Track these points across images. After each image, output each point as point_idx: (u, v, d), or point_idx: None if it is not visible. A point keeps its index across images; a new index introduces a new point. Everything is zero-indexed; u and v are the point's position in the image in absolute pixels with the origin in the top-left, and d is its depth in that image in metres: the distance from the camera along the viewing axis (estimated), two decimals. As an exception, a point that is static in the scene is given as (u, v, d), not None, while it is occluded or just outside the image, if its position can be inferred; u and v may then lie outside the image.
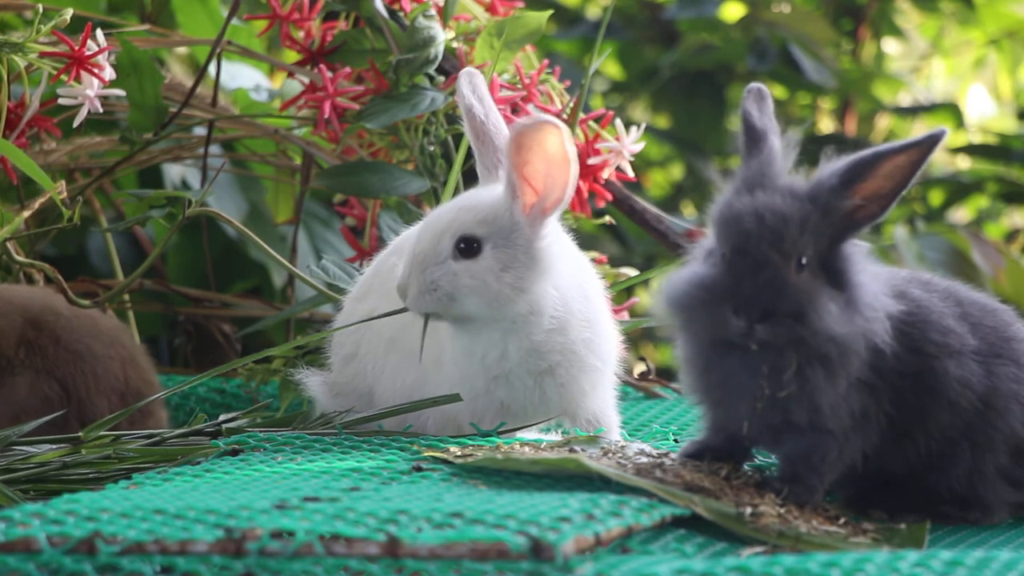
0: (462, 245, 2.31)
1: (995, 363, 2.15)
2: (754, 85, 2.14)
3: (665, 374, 3.05)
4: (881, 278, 2.12)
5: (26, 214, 2.79)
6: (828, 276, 2.04)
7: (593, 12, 5.94)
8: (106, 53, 2.74)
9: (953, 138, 6.44)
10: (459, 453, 2.20)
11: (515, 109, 2.91)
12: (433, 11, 2.94)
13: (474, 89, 2.42)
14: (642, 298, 3.49)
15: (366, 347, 2.50)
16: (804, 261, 2.02)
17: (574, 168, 2.28)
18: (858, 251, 2.09)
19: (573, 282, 2.36)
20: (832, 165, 2.07)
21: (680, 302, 2.06)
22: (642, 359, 3.13)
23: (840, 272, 2.05)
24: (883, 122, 6.14)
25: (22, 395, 2.62)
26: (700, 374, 2.12)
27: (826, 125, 5.99)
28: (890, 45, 6.25)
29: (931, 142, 2.05)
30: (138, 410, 2.58)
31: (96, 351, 2.69)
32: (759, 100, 2.13)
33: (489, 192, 2.36)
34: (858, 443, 2.09)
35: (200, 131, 3.21)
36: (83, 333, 2.69)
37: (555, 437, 2.33)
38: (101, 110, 2.76)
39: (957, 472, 2.14)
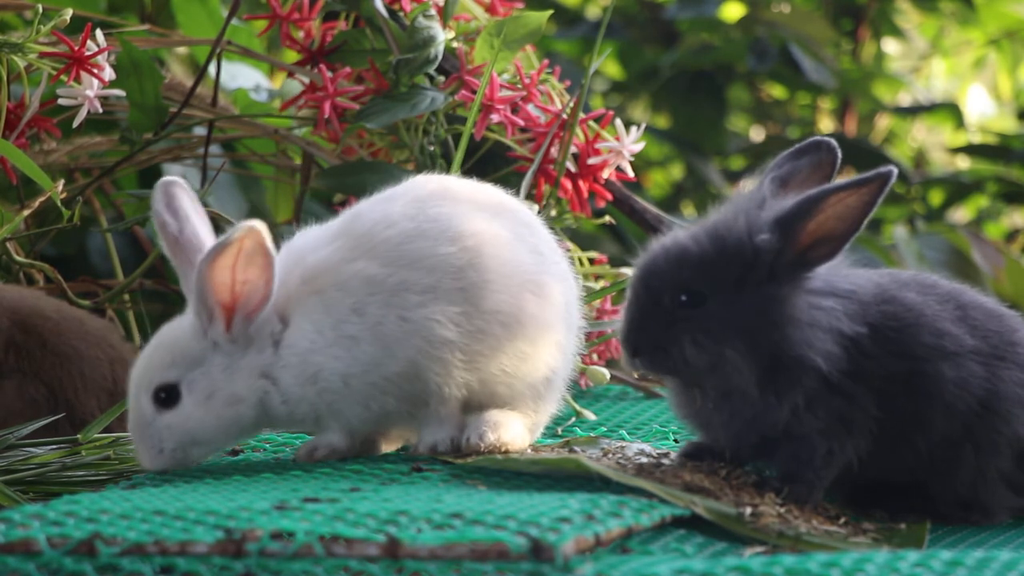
0: (162, 395, 2.15)
1: (998, 366, 2.12)
2: (816, 137, 2.15)
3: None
4: (858, 295, 2.10)
5: (26, 214, 2.78)
6: (741, 311, 2.05)
7: (593, 12, 5.94)
8: (106, 53, 2.73)
9: (953, 138, 6.45)
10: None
11: (515, 109, 2.91)
12: (433, 11, 2.94)
13: (168, 202, 2.20)
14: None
15: None
16: (692, 299, 2.05)
17: (267, 267, 2.16)
18: (810, 282, 2.07)
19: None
20: (778, 204, 2.08)
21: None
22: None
23: (759, 308, 2.05)
24: (883, 122, 6.15)
25: (9, 398, 2.62)
26: (678, 403, 2.17)
27: (826, 125, 5.99)
28: (890, 45, 6.25)
29: (881, 181, 2.02)
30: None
31: (83, 352, 2.68)
32: (798, 153, 2.15)
33: (180, 323, 2.21)
34: (847, 446, 2.09)
35: (200, 131, 3.20)
36: (71, 335, 2.69)
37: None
38: (101, 110, 2.75)
39: (961, 476, 2.13)
